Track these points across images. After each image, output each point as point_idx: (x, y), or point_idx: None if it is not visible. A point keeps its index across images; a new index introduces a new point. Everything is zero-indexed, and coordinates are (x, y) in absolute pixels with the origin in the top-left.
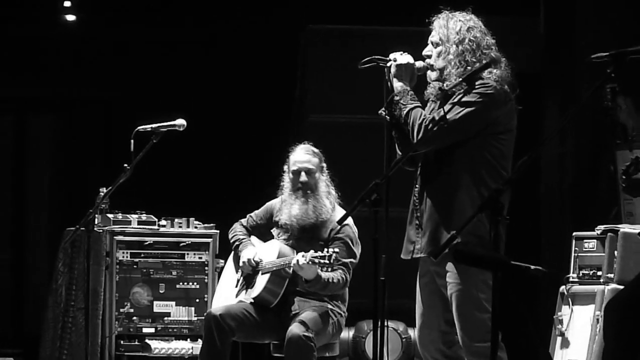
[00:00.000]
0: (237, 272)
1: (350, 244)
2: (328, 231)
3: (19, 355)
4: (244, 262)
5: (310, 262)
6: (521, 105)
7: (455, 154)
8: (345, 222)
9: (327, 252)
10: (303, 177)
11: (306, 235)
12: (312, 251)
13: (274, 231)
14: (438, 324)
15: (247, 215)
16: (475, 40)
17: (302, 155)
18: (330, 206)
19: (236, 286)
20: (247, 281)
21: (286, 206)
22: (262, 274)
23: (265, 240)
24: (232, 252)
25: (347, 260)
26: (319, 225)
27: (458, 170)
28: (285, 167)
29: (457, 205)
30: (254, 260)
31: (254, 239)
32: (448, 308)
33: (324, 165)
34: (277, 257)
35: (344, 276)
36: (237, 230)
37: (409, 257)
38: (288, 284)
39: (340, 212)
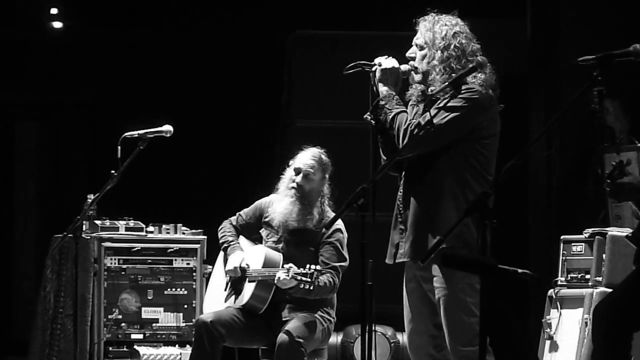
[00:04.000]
0: (226, 274)
1: (340, 248)
2: (318, 236)
3: None
4: (230, 269)
5: (292, 279)
6: (507, 108)
7: (440, 158)
8: (338, 226)
9: (310, 268)
10: (299, 178)
11: (295, 238)
12: (293, 267)
13: (263, 232)
14: (427, 329)
15: (237, 214)
16: (461, 46)
17: (308, 159)
18: (318, 217)
19: (225, 289)
20: (235, 286)
21: (277, 202)
22: (249, 281)
23: (254, 239)
24: (222, 252)
25: (337, 264)
26: (307, 230)
27: (443, 175)
28: (291, 162)
29: (442, 210)
30: (240, 268)
31: (242, 239)
32: (436, 312)
33: (327, 177)
34: (263, 267)
35: (332, 279)
36: (226, 230)
37: (392, 262)
38: (276, 291)
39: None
